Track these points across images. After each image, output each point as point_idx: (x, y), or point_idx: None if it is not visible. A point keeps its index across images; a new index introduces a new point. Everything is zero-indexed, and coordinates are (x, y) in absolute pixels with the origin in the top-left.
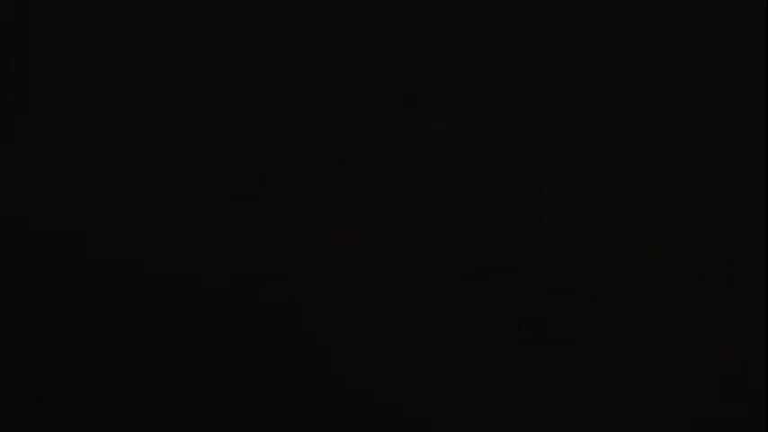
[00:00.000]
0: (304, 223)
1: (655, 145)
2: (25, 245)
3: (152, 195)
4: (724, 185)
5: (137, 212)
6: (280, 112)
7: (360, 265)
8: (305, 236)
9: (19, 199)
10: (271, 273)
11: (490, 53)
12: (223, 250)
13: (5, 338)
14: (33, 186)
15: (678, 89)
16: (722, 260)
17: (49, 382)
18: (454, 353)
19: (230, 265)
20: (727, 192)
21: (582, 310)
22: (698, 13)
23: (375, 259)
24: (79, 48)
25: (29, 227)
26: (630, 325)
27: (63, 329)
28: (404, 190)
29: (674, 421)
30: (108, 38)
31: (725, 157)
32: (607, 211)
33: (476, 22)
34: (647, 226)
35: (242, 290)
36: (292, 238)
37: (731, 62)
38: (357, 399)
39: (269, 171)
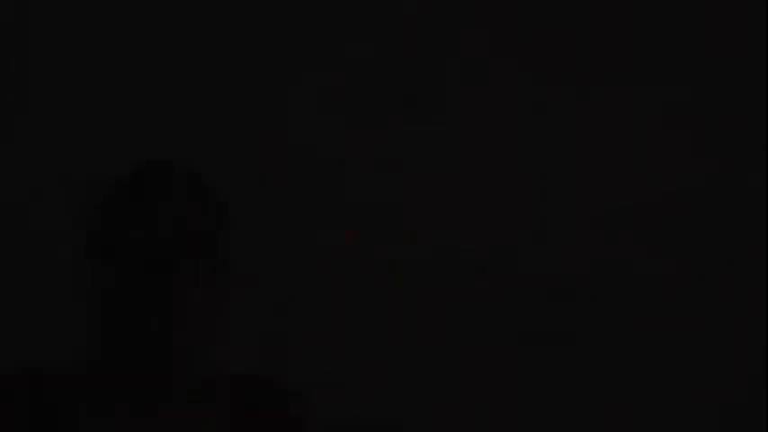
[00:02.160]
0: (304, 223)
1: (655, 145)
2: (25, 245)
3: None
4: (724, 185)
5: None
6: (280, 112)
7: (360, 265)
8: (305, 236)
9: (19, 199)
10: (271, 272)
11: (490, 53)
12: None
13: (6, 337)
14: (33, 186)
15: (678, 89)
16: (722, 260)
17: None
18: (454, 353)
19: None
20: (727, 192)
21: (582, 310)
22: (698, 13)
23: (375, 259)
24: (79, 48)
25: (29, 227)
26: (630, 325)
27: (63, 328)
28: (404, 190)
29: (674, 421)
30: (108, 38)
31: (725, 157)
32: (607, 211)
33: (476, 22)
34: (647, 226)
35: (242, 290)
36: (292, 237)
37: (731, 62)
38: (357, 398)
39: (269, 171)
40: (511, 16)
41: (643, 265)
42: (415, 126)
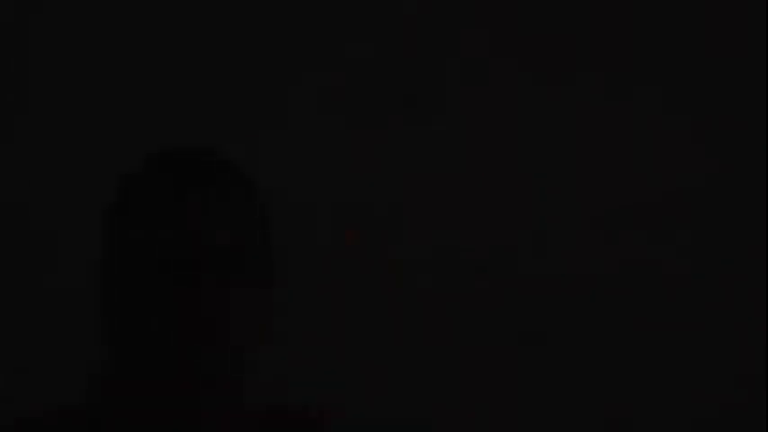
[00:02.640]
0: (304, 223)
1: (655, 145)
2: (25, 245)
3: None
4: (724, 185)
5: None
6: (280, 112)
7: (360, 265)
8: (305, 236)
9: (19, 198)
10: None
11: (490, 53)
12: None
13: (6, 336)
14: (33, 186)
15: (678, 89)
16: (722, 260)
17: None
18: (454, 353)
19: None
20: (727, 192)
21: (582, 310)
22: (698, 13)
23: (375, 259)
24: (79, 48)
25: (29, 227)
26: (630, 325)
27: (63, 330)
28: (404, 190)
29: (674, 421)
30: (108, 38)
31: (725, 157)
32: (607, 211)
33: (476, 22)
34: (647, 226)
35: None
36: (292, 237)
37: (731, 62)
38: (356, 398)
39: (268, 171)
40: (511, 16)
41: (643, 265)
42: (415, 126)
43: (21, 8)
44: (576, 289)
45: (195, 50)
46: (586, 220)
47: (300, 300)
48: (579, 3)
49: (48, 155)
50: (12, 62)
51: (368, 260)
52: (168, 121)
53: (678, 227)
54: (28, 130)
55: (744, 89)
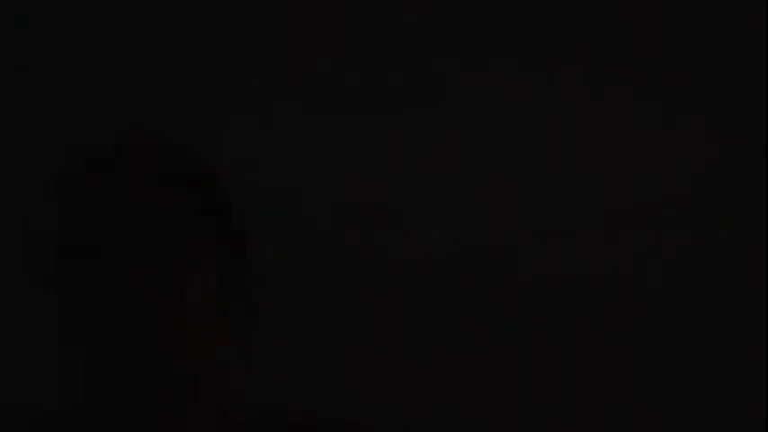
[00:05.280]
0: (303, 223)
1: (655, 145)
2: (25, 245)
3: None
4: (724, 185)
5: None
6: (279, 112)
7: (360, 265)
8: (305, 236)
9: (19, 199)
10: (270, 273)
11: (490, 53)
12: None
13: (6, 337)
14: (33, 186)
15: (678, 89)
16: (722, 260)
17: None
18: (454, 353)
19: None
20: (728, 191)
21: (582, 310)
22: (698, 12)
23: (375, 259)
24: (79, 47)
25: (29, 227)
26: (630, 325)
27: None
28: (404, 190)
29: (674, 421)
30: (106, 37)
31: (725, 156)
32: (607, 210)
33: (476, 22)
34: (648, 226)
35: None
36: (292, 238)
37: (731, 62)
38: (355, 399)
39: (268, 171)
40: (511, 16)
41: (643, 265)
42: (416, 126)
43: (20, 8)
44: (576, 289)
45: (195, 50)
46: (586, 220)
47: (300, 300)
48: (580, 3)
49: (48, 154)
50: (12, 62)
51: (368, 260)
52: (167, 121)
53: (678, 227)
54: (28, 130)
55: (744, 89)
